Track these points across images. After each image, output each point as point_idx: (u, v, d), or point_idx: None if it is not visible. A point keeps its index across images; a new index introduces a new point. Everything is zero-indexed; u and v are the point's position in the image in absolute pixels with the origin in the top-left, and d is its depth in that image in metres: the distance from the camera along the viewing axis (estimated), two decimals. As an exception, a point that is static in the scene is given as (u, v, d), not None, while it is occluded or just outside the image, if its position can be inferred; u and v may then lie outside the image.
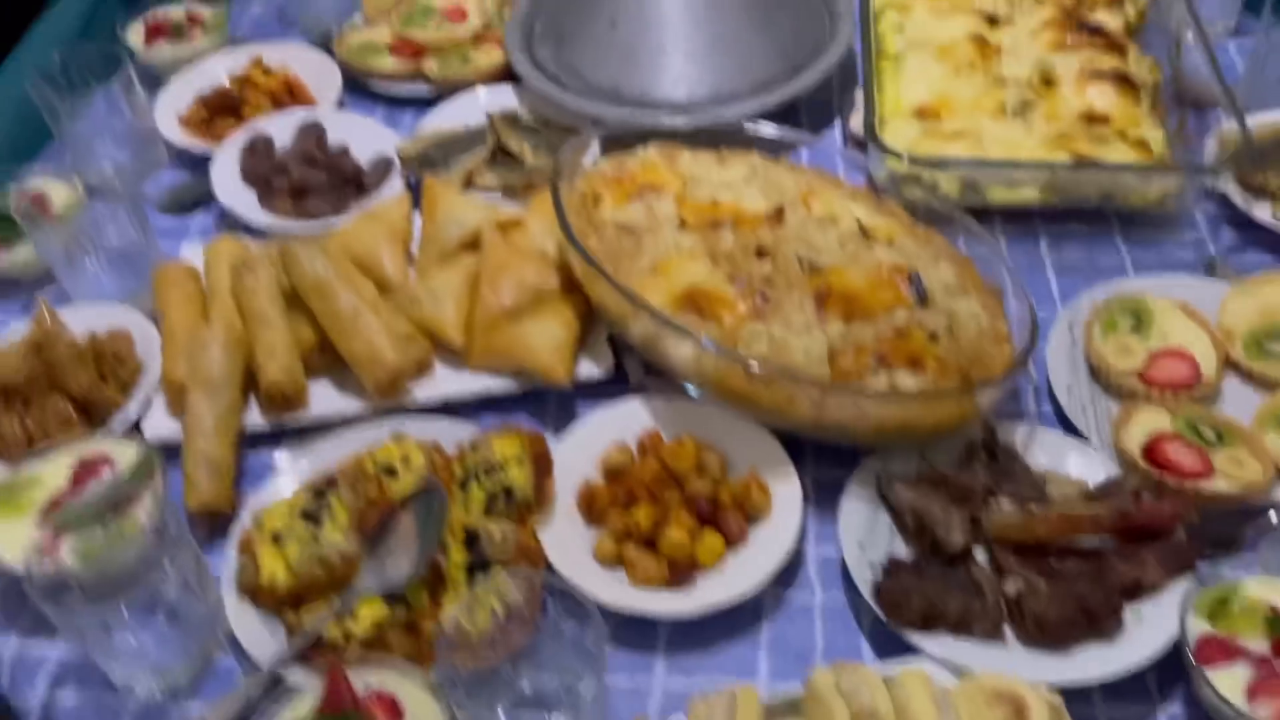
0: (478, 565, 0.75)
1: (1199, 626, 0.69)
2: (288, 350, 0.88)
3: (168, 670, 0.74)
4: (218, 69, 1.20)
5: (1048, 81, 1.07)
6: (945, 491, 0.77)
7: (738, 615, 0.76)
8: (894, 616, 0.71)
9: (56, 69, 1.07)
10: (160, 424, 0.87)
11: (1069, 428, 0.84)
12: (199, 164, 1.10)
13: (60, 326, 0.92)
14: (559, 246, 0.94)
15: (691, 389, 0.84)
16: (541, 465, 0.79)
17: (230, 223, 1.06)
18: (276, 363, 0.86)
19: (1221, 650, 0.68)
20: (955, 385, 0.79)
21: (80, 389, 0.86)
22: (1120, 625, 0.71)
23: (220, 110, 1.16)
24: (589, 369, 0.89)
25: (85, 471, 0.80)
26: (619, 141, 0.99)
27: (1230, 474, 0.77)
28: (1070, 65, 1.07)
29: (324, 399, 0.89)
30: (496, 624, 0.68)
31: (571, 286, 0.93)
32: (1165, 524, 0.73)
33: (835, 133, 1.13)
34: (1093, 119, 1.03)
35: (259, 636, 0.74)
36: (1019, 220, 1.01)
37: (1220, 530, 0.75)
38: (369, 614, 0.73)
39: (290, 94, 1.18)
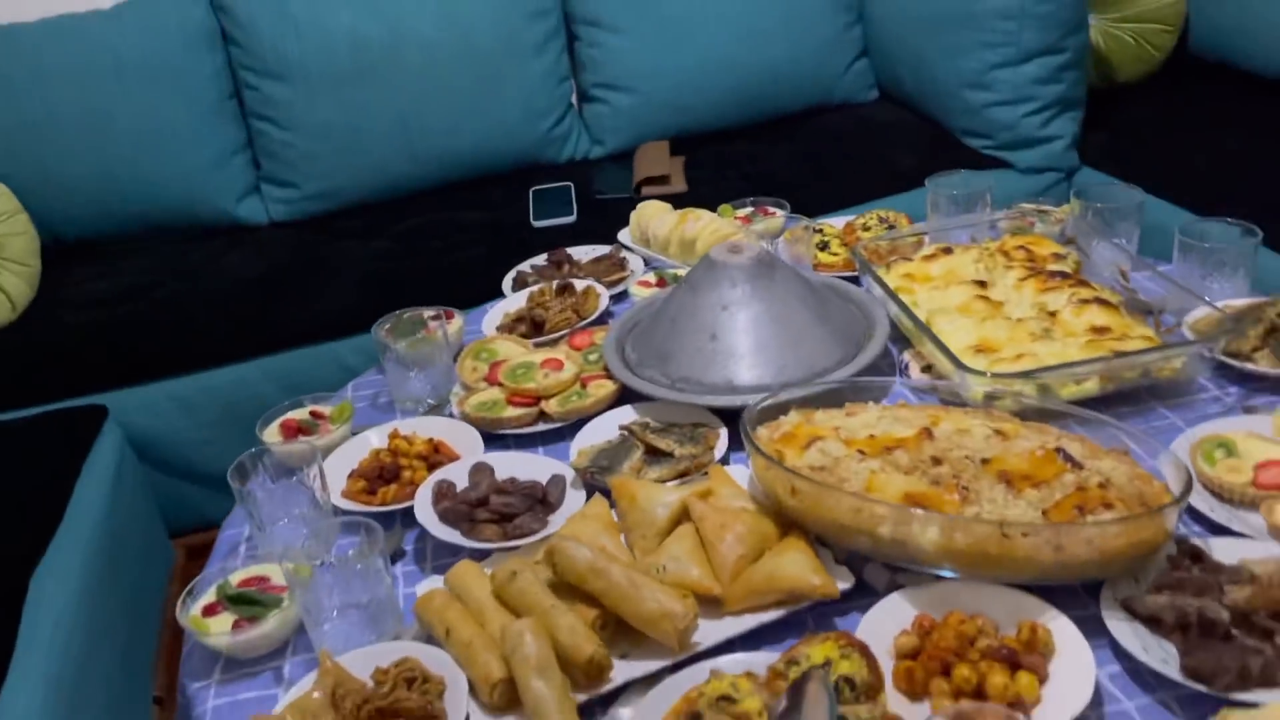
0: (860, 745, 0.83)
1: None
2: (586, 626, 0.97)
3: None
4: (360, 448, 1.34)
5: (1050, 313, 1.37)
6: (1185, 589, 0.94)
7: (1075, 736, 0.87)
8: (1212, 686, 0.85)
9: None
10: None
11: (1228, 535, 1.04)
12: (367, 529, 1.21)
13: (344, 670, 0.98)
14: (756, 502, 1.11)
15: (943, 572, 0.99)
16: (865, 653, 0.90)
17: (441, 564, 1.15)
18: (583, 638, 0.95)
19: None
20: (1147, 509, 0.99)
21: (417, 708, 0.91)
22: (1372, 647, 0.87)
23: (378, 479, 1.28)
24: (842, 582, 1.03)
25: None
26: (761, 416, 1.19)
27: (1370, 526, 0.99)
28: (1060, 300, 1.39)
29: (617, 670, 0.97)
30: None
31: (785, 530, 1.09)
32: (1356, 565, 0.93)
33: (898, 385, 1.37)
34: (1099, 330, 1.33)
35: None
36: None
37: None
38: (794, 806, 0.79)
39: (438, 452, 1.32)
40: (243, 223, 2.56)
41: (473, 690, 0.96)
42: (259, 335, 2.13)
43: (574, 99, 2.77)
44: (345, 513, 1.23)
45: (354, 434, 1.39)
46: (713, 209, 1.83)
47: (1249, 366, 1.28)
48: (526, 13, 2.58)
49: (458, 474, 1.25)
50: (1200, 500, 1.09)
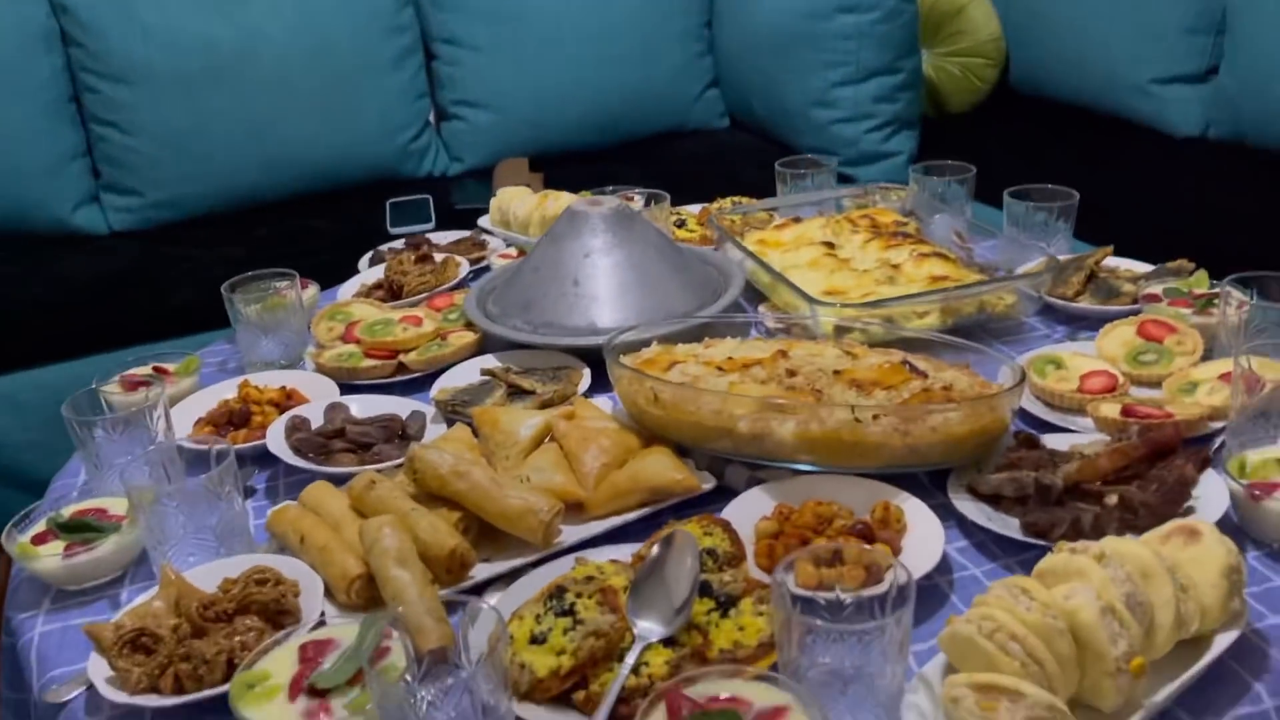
0: (724, 603, 0.84)
1: (1241, 483, 0.94)
2: (448, 522, 0.95)
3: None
4: (209, 400, 1.28)
5: (894, 266, 1.45)
6: (1022, 467, 0.99)
7: (930, 600, 0.90)
8: (1048, 538, 0.90)
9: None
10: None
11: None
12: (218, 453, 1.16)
13: (188, 582, 0.93)
14: (619, 425, 1.12)
15: (799, 465, 1.02)
16: (726, 528, 0.92)
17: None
18: (445, 533, 0.93)
19: (1264, 488, 0.92)
20: (989, 394, 1.04)
21: (270, 600, 0.87)
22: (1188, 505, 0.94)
23: (228, 424, 1.23)
24: (704, 484, 1.04)
25: (315, 650, 0.81)
26: (624, 350, 1.20)
27: (1185, 412, 1.07)
28: (903, 255, 1.46)
29: (477, 570, 0.95)
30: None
31: (647, 444, 1.10)
32: (1175, 440, 1.00)
33: (754, 330, 1.41)
34: (938, 279, 1.40)
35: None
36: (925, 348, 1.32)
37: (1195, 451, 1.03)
38: (658, 657, 0.79)
39: (290, 399, 1.28)
40: (80, 231, 2.45)
41: (329, 594, 0.92)
42: (97, 334, 2.03)
43: (432, 116, 2.78)
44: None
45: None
46: (605, 192, 1.85)
47: (1072, 306, 1.37)
48: (384, 28, 2.59)
49: (312, 413, 1.22)
50: (1035, 406, 1.15)
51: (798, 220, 1.62)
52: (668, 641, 0.81)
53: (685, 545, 0.84)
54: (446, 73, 2.71)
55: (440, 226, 2.39)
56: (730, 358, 1.17)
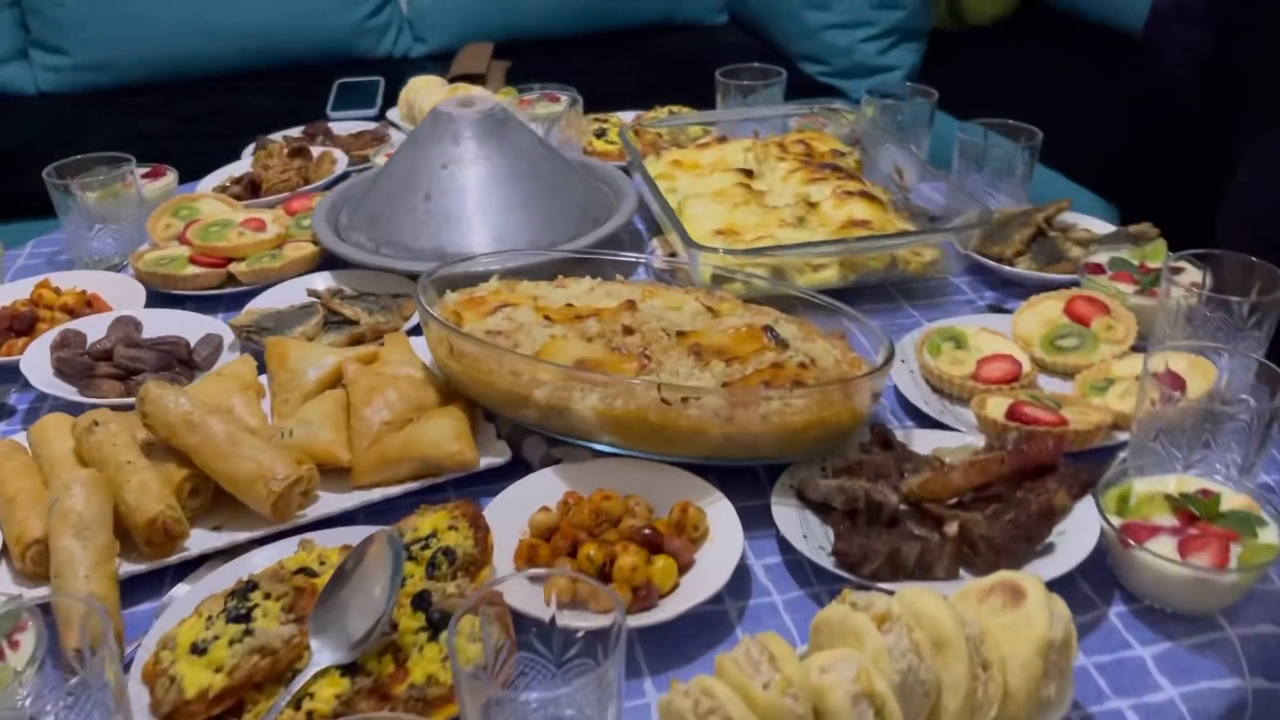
0: (437, 623, 0.69)
1: (1116, 520, 0.76)
2: (161, 484, 0.80)
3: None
4: (7, 294, 1.14)
5: (811, 204, 1.25)
6: (861, 473, 0.82)
7: (711, 628, 0.74)
8: (858, 573, 0.73)
9: None
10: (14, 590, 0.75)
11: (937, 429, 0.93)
12: (-6, 379, 1.02)
13: None
14: (425, 370, 0.96)
15: (601, 445, 0.85)
16: (476, 523, 0.76)
17: (47, 419, 0.97)
18: (152, 497, 0.78)
19: (1143, 530, 0.75)
20: (838, 379, 0.86)
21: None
22: (1050, 541, 0.77)
23: (9, 330, 1.08)
24: (488, 460, 0.88)
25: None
26: (459, 282, 1.03)
27: (1080, 421, 0.88)
28: (824, 192, 1.26)
29: (200, 541, 0.81)
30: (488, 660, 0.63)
31: (447, 400, 0.94)
32: (1051, 458, 0.82)
33: (640, 270, 1.23)
34: (856, 224, 1.21)
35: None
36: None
37: (1087, 469, 0.85)
38: (329, 689, 0.64)
39: (89, 307, 1.13)
40: (6, 90, 2.29)
41: (7, 553, 0.78)
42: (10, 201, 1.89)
43: (402, -10, 2.57)
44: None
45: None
46: (532, 90, 1.65)
47: (1008, 269, 1.17)
48: (344, -116, 2.37)
49: (95, 327, 1.07)
50: (916, 392, 0.97)
51: (723, 140, 1.42)
52: (351, 668, 0.66)
53: (383, 555, 0.68)
54: (414, -58, 2.49)
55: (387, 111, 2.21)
56: (569, 304, 1.00)
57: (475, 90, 1.51)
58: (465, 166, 1.18)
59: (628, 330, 0.94)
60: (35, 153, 2.01)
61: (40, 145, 2.08)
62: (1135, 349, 1.01)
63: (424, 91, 1.61)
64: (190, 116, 2.20)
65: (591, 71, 2.44)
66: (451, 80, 2.28)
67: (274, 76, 2.37)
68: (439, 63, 2.46)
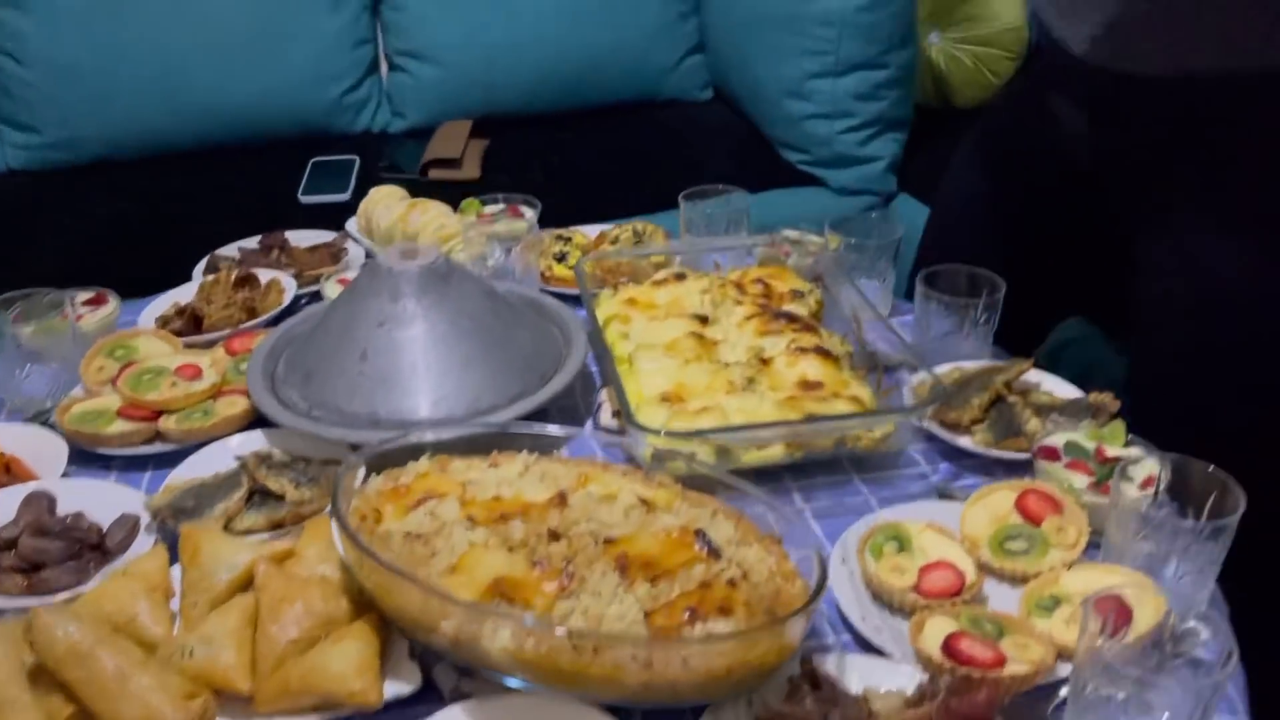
0: None
1: (1047, 799, 0.72)
2: (42, 729, 0.76)
3: None
4: (-80, 455, 1.10)
5: (764, 360, 1.21)
6: (784, 725, 0.78)
7: None
8: None
9: None
10: None
11: (871, 649, 0.89)
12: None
13: None
14: (343, 569, 0.91)
15: (515, 681, 0.81)
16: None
17: (-54, 615, 0.93)
18: (29, 747, 0.74)
19: (1073, 816, 0.71)
20: (766, 620, 0.82)
21: None
22: (979, 818, 0.72)
23: (-78, 500, 1.05)
24: (396, 687, 0.84)
25: None
26: (388, 460, 0.99)
27: (1020, 658, 0.84)
28: (778, 345, 1.22)
29: (87, 785, 0.77)
30: None
31: (362, 609, 0.90)
32: (983, 713, 0.77)
33: (586, 433, 1.19)
34: (808, 385, 1.16)
35: None
36: (771, 479, 1.10)
37: (1025, 711, 0.81)
38: None
39: (8, 471, 1.09)
40: (-28, 167, 2.27)
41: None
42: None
43: (382, 66, 2.54)
44: None
45: (-71, 438, 1.15)
46: (497, 202, 1.62)
47: (960, 442, 1.13)
48: (322, -38, 2.34)
49: (7, 504, 1.03)
50: (853, 606, 0.93)
51: (681, 278, 1.38)
52: None
53: None
54: (393, 19, 2.46)
55: (361, 193, 2.18)
56: (498, 497, 0.96)
57: (422, 237, 1.47)
58: (403, 325, 1.14)
59: (554, 535, 0.90)
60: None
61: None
62: (1091, 548, 0.97)
63: (382, 205, 1.58)
64: (155, 196, 2.18)
65: (568, 149, 2.41)
66: (425, 165, 2.27)
67: (248, 153, 2.34)
68: (418, 139, 2.44)
